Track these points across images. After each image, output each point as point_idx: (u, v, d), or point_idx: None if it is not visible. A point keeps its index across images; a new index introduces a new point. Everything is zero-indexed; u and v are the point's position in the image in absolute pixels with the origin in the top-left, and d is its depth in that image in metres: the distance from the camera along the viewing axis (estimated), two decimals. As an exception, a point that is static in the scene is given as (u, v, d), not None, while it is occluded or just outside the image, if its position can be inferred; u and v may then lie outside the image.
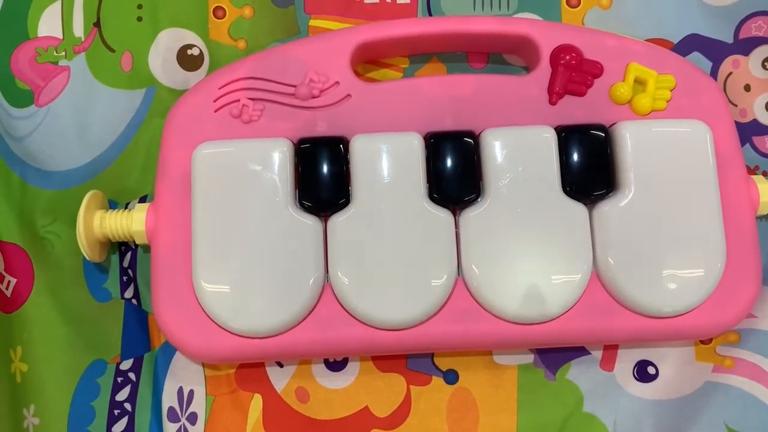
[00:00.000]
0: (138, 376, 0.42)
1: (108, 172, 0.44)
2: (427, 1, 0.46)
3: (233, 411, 0.42)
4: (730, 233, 0.39)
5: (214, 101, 0.40)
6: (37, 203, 0.44)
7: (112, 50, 0.45)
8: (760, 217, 0.42)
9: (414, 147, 0.39)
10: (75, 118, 0.44)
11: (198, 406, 0.42)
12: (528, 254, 0.38)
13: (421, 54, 0.45)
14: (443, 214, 0.39)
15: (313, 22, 0.45)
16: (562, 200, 0.39)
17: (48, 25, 0.45)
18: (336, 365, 0.43)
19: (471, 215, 0.39)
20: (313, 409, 0.42)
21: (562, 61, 0.40)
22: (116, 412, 0.42)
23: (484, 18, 0.42)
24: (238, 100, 0.40)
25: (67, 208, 0.43)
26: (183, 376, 0.42)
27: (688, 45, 0.45)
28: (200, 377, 0.42)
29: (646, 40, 0.44)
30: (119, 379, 0.42)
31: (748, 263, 0.40)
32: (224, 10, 0.45)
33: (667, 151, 0.39)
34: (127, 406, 0.42)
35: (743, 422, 0.41)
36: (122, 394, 0.42)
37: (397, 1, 0.45)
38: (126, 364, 0.43)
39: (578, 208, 0.39)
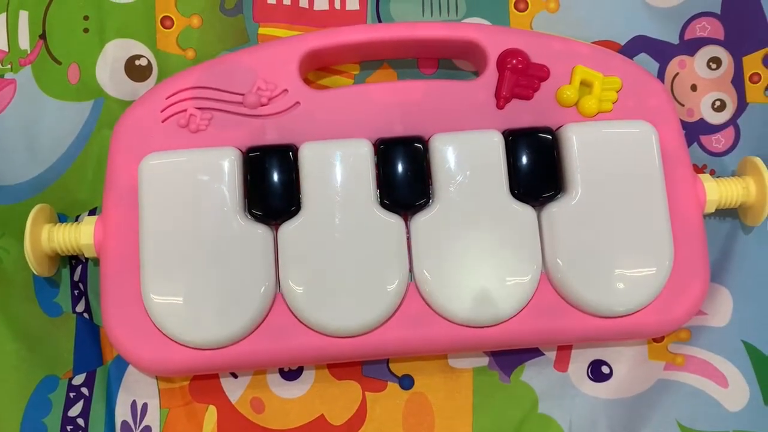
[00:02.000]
0: (91, 391, 0.42)
1: (57, 186, 0.44)
2: (376, 7, 0.46)
3: (188, 423, 0.42)
4: (678, 232, 0.40)
5: (161, 111, 0.40)
6: (-15, 218, 0.43)
7: (59, 62, 0.44)
8: (707, 215, 0.42)
9: (363, 153, 0.39)
10: (22, 132, 0.44)
11: (152, 419, 0.42)
12: (478, 257, 0.39)
13: (372, 60, 0.45)
14: (394, 220, 0.39)
15: (262, 30, 0.45)
16: (510, 203, 0.39)
17: (-7, 37, 0.45)
18: (291, 374, 0.42)
19: (421, 220, 0.39)
20: (268, 419, 0.42)
21: (508, 66, 0.41)
22: (69, 428, 0.41)
23: (432, 24, 0.42)
24: (186, 110, 0.40)
25: (15, 223, 0.42)
26: (136, 390, 0.42)
27: (635, 46, 0.45)
28: (154, 390, 0.42)
29: (594, 43, 0.44)
30: (72, 395, 0.42)
31: (696, 261, 0.40)
32: (172, 19, 0.45)
33: (613, 152, 0.39)
34: (80, 421, 0.41)
35: (694, 419, 0.41)
36: (75, 410, 0.42)
37: (347, 8, 0.46)
38: (78, 379, 0.42)
39: (526, 211, 0.39)
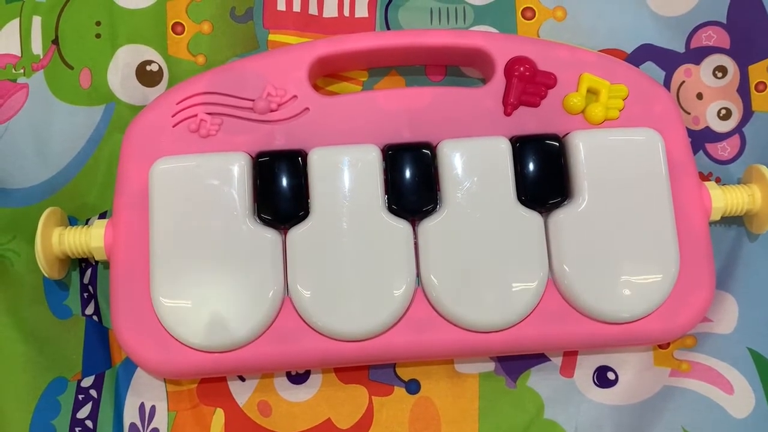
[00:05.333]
0: (99, 393, 0.42)
1: (68, 189, 0.44)
2: (385, 15, 0.46)
3: (195, 426, 0.42)
4: (684, 239, 0.40)
5: (172, 116, 0.40)
6: (-3, 221, 0.44)
7: (71, 67, 0.45)
8: (712, 223, 0.43)
9: (372, 159, 0.40)
10: (34, 136, 0.44)
11: (160, 421, 0.42)
12: (485, 263, 0.39)
13: (380, 67, 0.46)
14: (402, 225, 0.39)
15: (272, 37, 0.46)
16: (517, 209, 0.39)
17: (6, 42, 0.45)
18: (298, 378, 0.43)
19: (429, 225, 0.39)
20: (275, 423, 0.42)
21: (516, 73, 0.41)
22: (78, 430, 0.41)
23: (440, 31, 0.43)
24: (196, 115, 0.40)
25: (26, 226, 0.43)
26: (144, 392, 0.42)
27: (641, 55, 0.46)
28: (162, 393, 0.42)
29: (600, 51, 0.45)
30: (80, 397, 0.42)
31: (702, 268, 0.40)
32: (183, 25, 0.45)
33: (620, 159, 0.40)
34: (89, 423, 0.42)
35: (700, 425, 0.42)
36: (83, 412, 0.42)
37: (356, 15, 0.46)
38: (87, 381, 0.42)
39: (533, 217, 0.39)
